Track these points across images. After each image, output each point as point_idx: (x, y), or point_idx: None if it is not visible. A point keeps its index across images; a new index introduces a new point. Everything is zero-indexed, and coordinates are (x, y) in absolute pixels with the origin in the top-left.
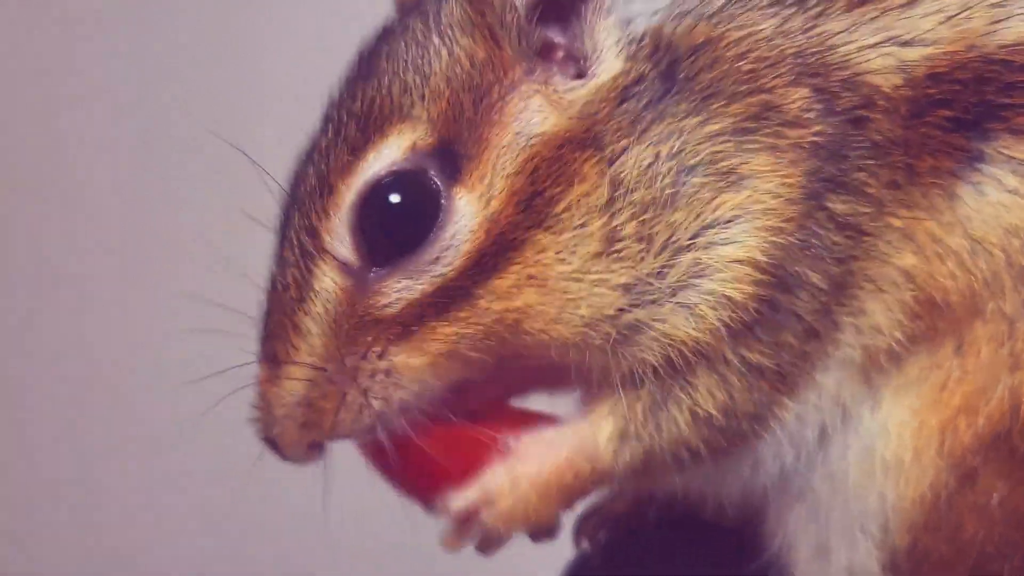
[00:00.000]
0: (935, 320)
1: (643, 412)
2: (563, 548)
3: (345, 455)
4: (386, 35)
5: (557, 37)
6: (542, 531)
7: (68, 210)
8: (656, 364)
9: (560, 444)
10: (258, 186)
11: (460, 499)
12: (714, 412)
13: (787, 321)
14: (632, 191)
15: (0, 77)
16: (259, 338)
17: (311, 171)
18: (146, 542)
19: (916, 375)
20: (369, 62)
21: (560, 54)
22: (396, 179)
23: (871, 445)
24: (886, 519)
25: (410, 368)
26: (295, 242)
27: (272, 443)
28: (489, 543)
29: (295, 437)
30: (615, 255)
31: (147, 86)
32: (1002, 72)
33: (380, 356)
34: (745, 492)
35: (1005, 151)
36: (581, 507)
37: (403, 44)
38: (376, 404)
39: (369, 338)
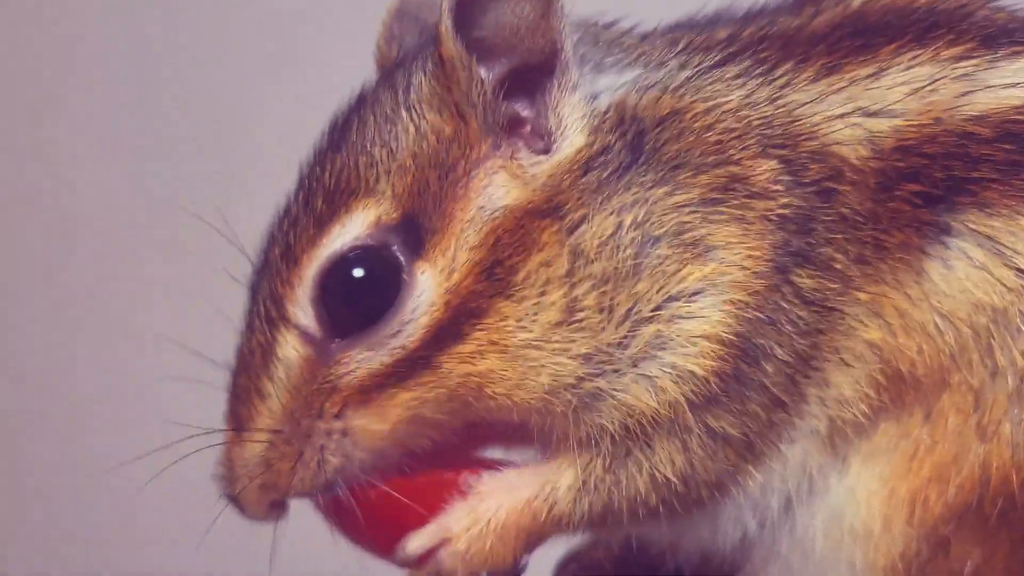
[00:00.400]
0: (902, 392)
1: (602, 467)
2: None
3: None
4: (359, 104)
5: (524, 111)
6: (501, 572)
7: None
8: (613, 431)
9: (521, 486)
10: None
11: (418, 539)
12: (673, 478)
13: (753, 392)
14: (592, 262)
15: None
16: (227, 399)
17: (280, 238)
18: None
19: (885, 444)
20: (341, 132)
21: (527, 128)
22: (359, 254)
23: (839, 513)
24: None
25: (369, 432)
26: (262, 309)
27: (234, 501)
28: None
29: (255, 497)
30: (575, 325)
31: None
32: (969, 145)
33: (337, 416)
34: (705, 554)
35: (972, 225)
36: (565, 550)
37: (372, 117)
38: (334, 460)
39: (328, 403)
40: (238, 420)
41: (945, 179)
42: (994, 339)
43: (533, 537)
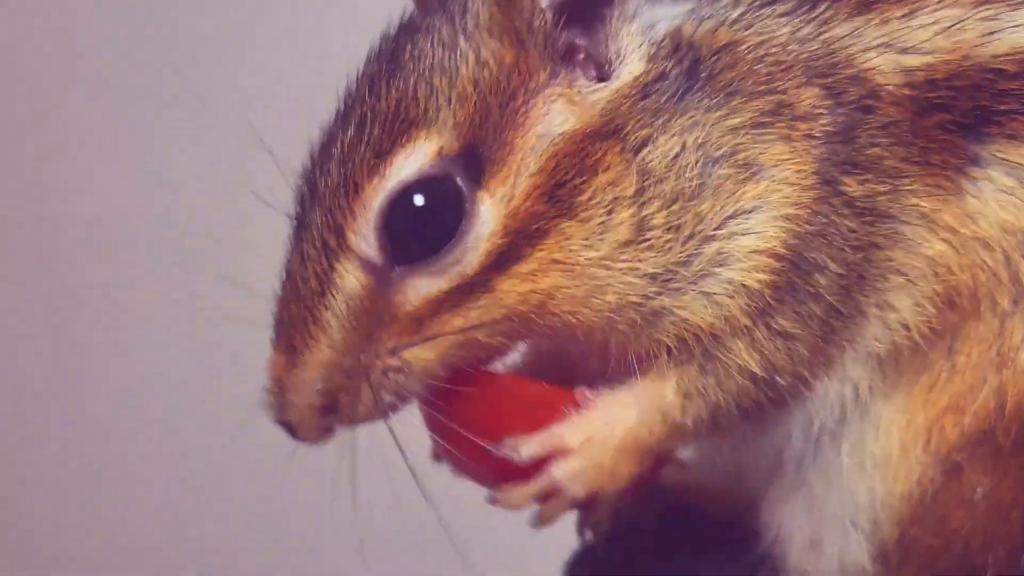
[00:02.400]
0: (949, 315)
1: (698, 373)
2: (568, 539)
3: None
4: (409, 30)
5: (579, 40)
6: (600, 498)
7: (69, 191)
8: (670, 345)
9: (630, 403)
10: (261, 167)
11: (530, 446)
12: (759, 371)
13: (808, 298)
14: (661, 181)
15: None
16: (275, 327)
17: (332, 167)
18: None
19: (907, 375)
20: (392, 58)
21: (582, 56)
22: (424, 184)
23: (862, 440)
24: (875, 513)
25: (421, 362)
26: (318, 238)
27: (288, 427)
28: (555, 504)
29: (313, 422)
30: (645, 244)
31: (150, 66)
32: (995, 80)
33: (393, 352)
34: (730, 493)
35: (1000, 154)
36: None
37: (429, 44)
38: (387, 397)
39: (385, 333)
40: (293, 348)
41: (973, 109)
42: (1020, 263)
43: (649, 452)
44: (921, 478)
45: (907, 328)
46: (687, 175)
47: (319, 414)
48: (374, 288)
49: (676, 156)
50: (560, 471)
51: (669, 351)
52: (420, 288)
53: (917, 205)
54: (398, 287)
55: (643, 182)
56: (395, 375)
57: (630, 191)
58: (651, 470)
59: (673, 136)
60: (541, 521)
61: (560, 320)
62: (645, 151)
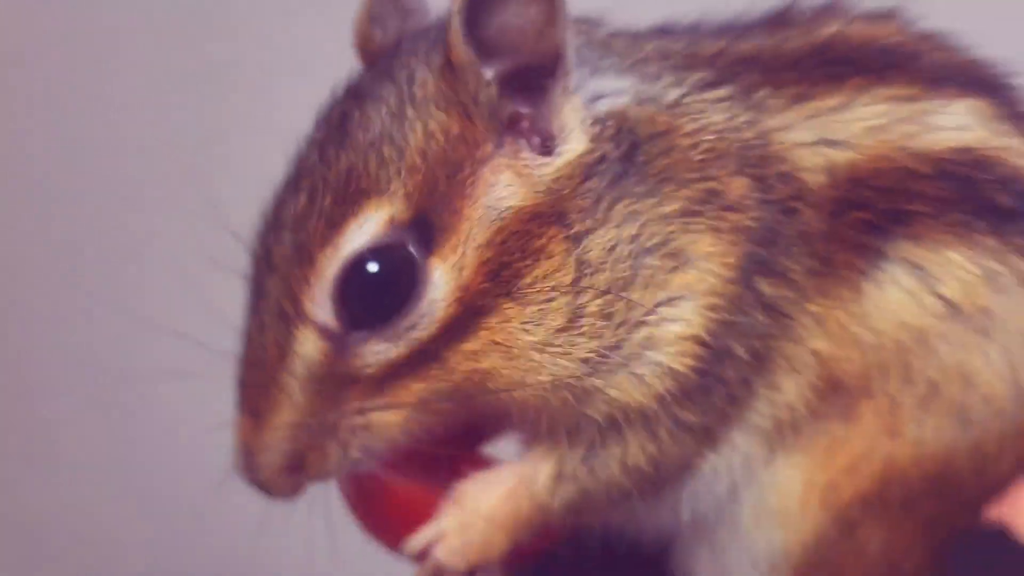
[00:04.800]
0: (830, 396)
1: (579, 458)
2: None
3: None
4: (356, 96)
5: (522, 107)
6: (488, 565)
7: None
8: (599, 420)
9: (501, 483)
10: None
11: (416, 540)
12: (643, 464)
13: (714, 387)
14: (597, 272)
15: None
16: (238, 391)
17: (286, 236)
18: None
19: (806, 439)
20: (341, 127)
21: (526, 124)
22: (377, 253)
23: (763, 496)
24: (775, 559)
25: (386, 424)
26: (274, 307)
27: (259, 486)
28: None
29: (283, 481)
30: (577, 330)
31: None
32: (908, 181)
33: (359, 412)
34: (660, 531)
35: (904, 254)
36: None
37: (377, 113)
38: (355, 453)
39: (348, 395)
40: (257, 411)
41: (888, 211)
42: (912, 355)
43: (518, 526)
44: (817, 531)
45: (791, 408)
46: (620, 266)
47: (287, 473)
48: (332, 353)
49: (612, 248)
50: (440, 552)
51: (598, 427)
52: (379, 352)
53: (808, 308)
54: (356, 352)
55: (580, 272)
56: (362, 432)
57: (567, 280)
58: (532, 543)
59: (611, 228)
60: None
61: (498, 397)
62: (585, 243)
